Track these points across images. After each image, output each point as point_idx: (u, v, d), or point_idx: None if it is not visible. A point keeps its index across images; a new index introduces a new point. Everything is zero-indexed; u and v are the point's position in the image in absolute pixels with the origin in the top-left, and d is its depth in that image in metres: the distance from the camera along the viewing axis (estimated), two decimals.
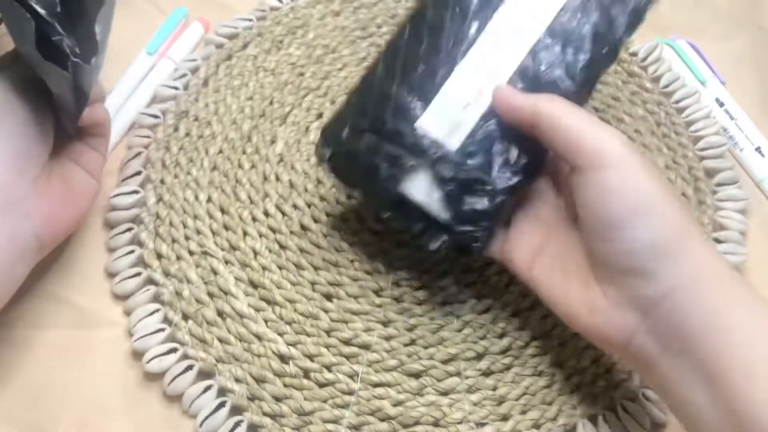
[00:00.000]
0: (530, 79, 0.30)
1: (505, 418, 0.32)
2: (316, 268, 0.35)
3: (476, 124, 0.30)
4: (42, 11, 0.28)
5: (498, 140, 0.30)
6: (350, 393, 0.32)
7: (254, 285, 0.35)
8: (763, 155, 0.41)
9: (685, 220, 0.26)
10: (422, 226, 0.31)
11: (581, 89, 0.31)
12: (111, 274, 0.35)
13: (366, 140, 0.31)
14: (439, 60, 0.31)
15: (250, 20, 0.45)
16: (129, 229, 0.36)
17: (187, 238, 0.36)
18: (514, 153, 0.30)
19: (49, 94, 0.30)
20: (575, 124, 0.27)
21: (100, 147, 0.35)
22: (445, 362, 0.33)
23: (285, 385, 0.32)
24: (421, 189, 0.30)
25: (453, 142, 0.30)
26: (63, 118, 0.32)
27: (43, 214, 0.31)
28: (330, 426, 0.31)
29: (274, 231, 0.37)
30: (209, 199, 0.38)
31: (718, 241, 0.38)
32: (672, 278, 0.25)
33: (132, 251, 0.36)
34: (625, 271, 0.26)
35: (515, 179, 0.30)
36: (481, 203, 0.30)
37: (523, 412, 0.32)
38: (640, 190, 0.26)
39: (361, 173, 0.32)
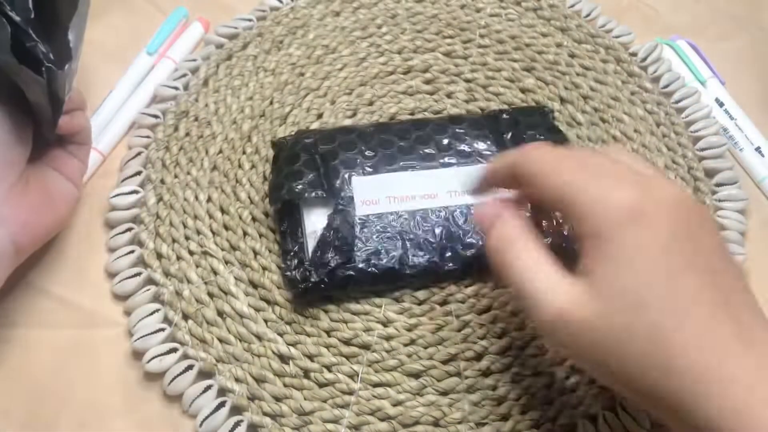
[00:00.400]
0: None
1: (504, 418, 0.32)
2: None
3: (386, 213, 0.34)
4: (17, 18, 0.29)
5: (389, 237, 0.34)
6: (350, 393, 0.32)
7: (254, 285, 0.35)
8: (763, 155, 0.41)
9: (714, 323, 0.19)
10: (291, 250, 0.34)
11: None
12: (111, 274, 0.36)
13: (312, 158, 0.35)
14: (399, 164, 0.36)
15: (250, 20, 0.45)
16: (129, 229, 0.36)
17: (187, 238, 0.36)
18: (392, 250, 0.34)
19: (27, 102, 0.30)
20: (568, 182, 0.23)
21: (80, 154, 0.35)
22: (445, 362, 0.33)
23: (285, 385, 0.32)
24: (313, 220, 0.34)
25: (360, 209, 0.34)
26: (41, 125, 0.32)
27: (19, 221, 0.31)
28: (330, 426, 0.31)
29: (273, 231, 0.37)
30: (209, 199, 0.38)
31: None
32: (712, 419, 0.20)
33: (132, 251, 0.36)
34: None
35: (373, 271, 0.33)
36: (335, 262, 0.33)
37: (523, 412, 0.32)
38: (637, 280, 0.20)
39: (287, 171, 0.35)
